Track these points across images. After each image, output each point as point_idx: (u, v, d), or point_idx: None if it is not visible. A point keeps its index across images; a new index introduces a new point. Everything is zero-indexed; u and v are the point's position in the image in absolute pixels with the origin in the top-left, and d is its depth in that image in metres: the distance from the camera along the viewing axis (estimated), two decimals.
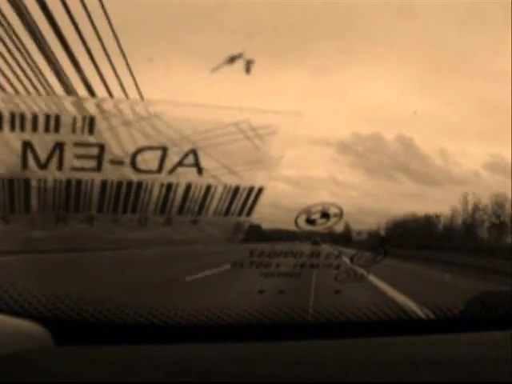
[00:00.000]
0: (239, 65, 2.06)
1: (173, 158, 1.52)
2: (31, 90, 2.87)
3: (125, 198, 1.56)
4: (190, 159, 1.54)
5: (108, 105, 1.52)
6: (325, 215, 1.82)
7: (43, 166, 1.49)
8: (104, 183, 1.54)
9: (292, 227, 1.84)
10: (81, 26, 3.10)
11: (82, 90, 3.00)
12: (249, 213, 1.63)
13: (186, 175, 1.56)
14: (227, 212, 1.61)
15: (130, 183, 1.55)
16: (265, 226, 3.62)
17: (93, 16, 3.10)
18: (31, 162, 1.48)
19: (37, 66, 3.01)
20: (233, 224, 1.72)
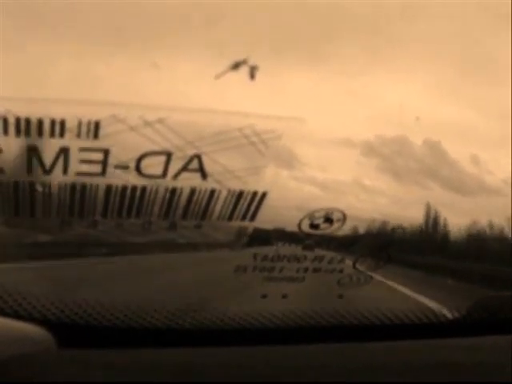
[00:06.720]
0: (245, 68, 2.05)
1: (177, 163, 1.53)
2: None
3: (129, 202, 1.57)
4: (195, 164, 1.55)
5: (113, 109, 1.52)
6: (328, 220, 1.83)
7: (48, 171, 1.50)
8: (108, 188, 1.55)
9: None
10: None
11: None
12: (252, 217, 1.64)
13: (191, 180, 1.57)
14: (231, 217, 1.62)
15: (134, 188, 1.56)
16: (291, 228, 3.57)
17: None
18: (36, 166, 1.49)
19: None
20: (236, 228, 1.72)
